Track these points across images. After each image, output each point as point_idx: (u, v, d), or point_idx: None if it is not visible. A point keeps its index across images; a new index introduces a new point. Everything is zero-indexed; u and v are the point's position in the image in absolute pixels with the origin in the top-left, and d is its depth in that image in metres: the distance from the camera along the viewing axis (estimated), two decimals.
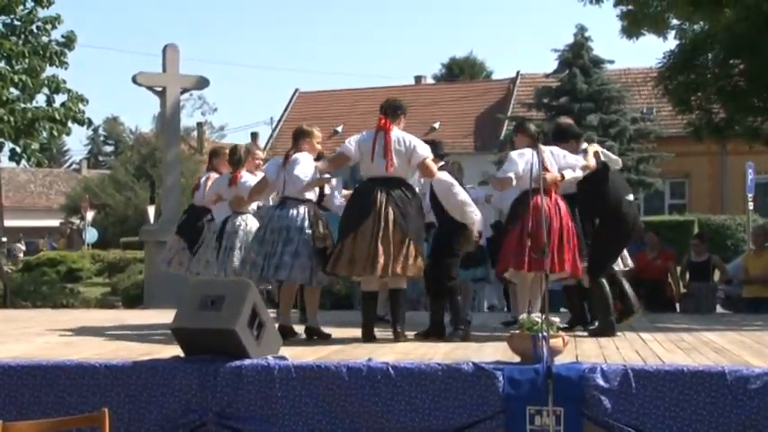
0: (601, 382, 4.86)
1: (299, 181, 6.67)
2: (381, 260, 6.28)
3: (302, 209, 6.70)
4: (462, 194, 6.88)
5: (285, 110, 34.38)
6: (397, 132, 6.57)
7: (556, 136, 7.35)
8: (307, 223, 6.62)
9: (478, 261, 8.33)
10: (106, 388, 5.22)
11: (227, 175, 7.60)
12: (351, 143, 6.64)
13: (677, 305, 10.68)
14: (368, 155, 6.50)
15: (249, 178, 7.41)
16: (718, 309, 11.31)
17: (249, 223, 7.36)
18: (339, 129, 29.83)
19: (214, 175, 8.00)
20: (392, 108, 6.72)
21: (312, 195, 6.91)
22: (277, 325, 6.57)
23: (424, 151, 6.60)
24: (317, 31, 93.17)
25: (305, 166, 6.75)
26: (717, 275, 11.18)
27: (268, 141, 34.34)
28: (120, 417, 5.10)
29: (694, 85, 14.03)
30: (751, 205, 17.97)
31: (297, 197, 6.74)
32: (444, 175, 6.90)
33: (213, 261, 7.44)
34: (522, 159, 6.72)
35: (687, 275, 11.06)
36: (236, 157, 7.59)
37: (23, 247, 15.77)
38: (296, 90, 35.17)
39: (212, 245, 7.55)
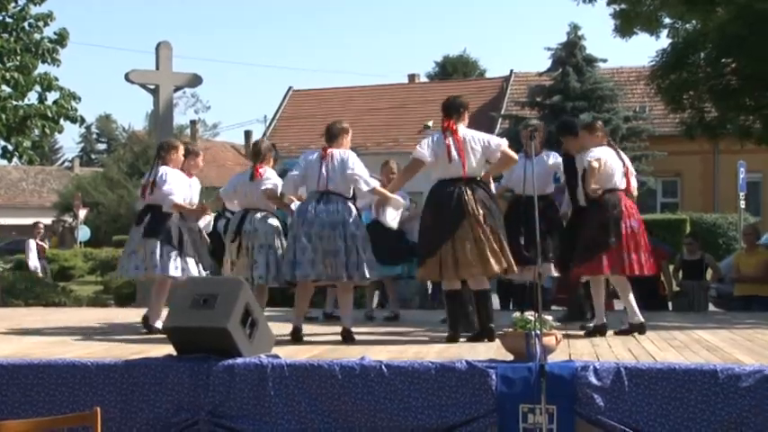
0: (593, 380, 4.87)
1: (360, 182, 6.65)
2: (492, 260, 6.29)
3: (350, 204, 6.69)
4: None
5: (279, 108, 34.33)
6: (464, 130, 6.56)
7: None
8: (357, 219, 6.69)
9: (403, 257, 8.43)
10: (98, 387, 5.21)
11: (248, 170, 7.36)
12: (424, 148, 6.55)
13: (669, 303, 10.69)
14: (444, 157, 6.43)
15: (272, 174, 7.30)
16: (711, 307, 11.34)
17: (271, 221, 7.19)
18: None
19: (170, 170, 7.41)
20: (455, 107, 6.68)
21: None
22: (292, 327, 6.62)
23: (499, 141, 6.61)
24: (311, 29, 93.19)
25: (360, 165, 6.74)
26: (709, 274, 11.21)
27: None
28: (111, 416, 5.09)
29: (687, 83, 14.06)
30: (743, 204, 18.04)
31: (343, 194, 6.68)
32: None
33: (236, 262, 7.19)
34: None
35: (680, 274, 11.08)
36: (257, 149, 7.48)
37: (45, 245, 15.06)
38: (290, 88, 35.13)
39: (229, 246, 7.28)
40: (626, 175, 6.92)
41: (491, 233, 6.36)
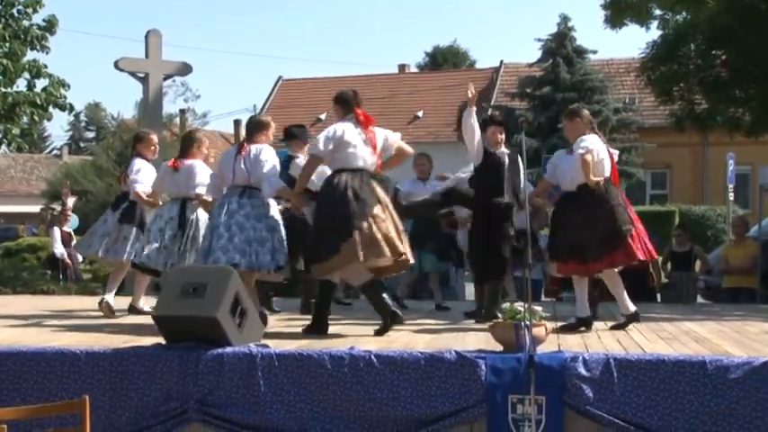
0: (582, 371, 4.89)
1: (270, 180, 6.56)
2: (399, 245, 6.17)
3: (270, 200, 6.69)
4: None
5: (268, 97, 34.22)
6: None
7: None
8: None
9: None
10: (87, 375, 5.20)
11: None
12: (319, 144, 6.36)
13: (658, 295, 10.74)
14: (351, 146, 6.28)
15: (198, 169, 7.29)
16: (699, 299, 11.40)
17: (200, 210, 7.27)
18: (322, 116, 29.74)
19: (143, 162, 7.75)
20: (349, 100, 6.55)
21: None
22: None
23: (395, 135, 6.59)
24: (301, 18, 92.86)
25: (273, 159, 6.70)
26: (698, 266, 11.25)
27: None
28: (100, 404, 5.08)
29: (677, 75, 14.07)
30: (731, 196, 18.10)
31: (258, 187, 6.62)
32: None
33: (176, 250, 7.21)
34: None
35: (669, 265, 11.12)
36: (184, 139, 7.64)
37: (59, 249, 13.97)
38: (279, 77, 35.02)
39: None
40: (612, 164, 6.79)
41: (396, 225, 6.24)
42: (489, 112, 6.82)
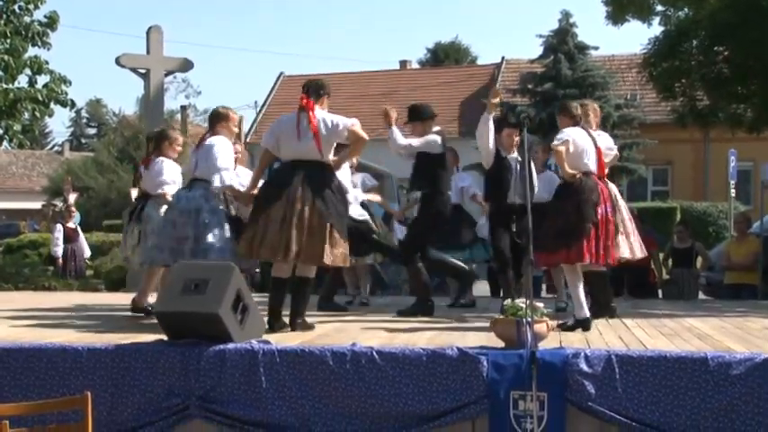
0: (584, 367, 4.88)
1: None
2: (294, 246, 5.94)
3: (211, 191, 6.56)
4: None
5: (270, 93, 34.21)
6: (319, 113, 6.23)
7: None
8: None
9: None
10: (89, 371, 5.20)
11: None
12: (268, 135, 6.30)
13: (660, 291, 10.74)
14: (292, 137, 6.11)
15: (165, 167, 7.22)
16: (701, 295, 11.39)
17: (161, 207, 7.07)
18: None
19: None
20: (315, 88, 6.33)
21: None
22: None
23: (348, 121, 6.22)
24: (303, 14, 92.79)
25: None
26: (699, 262, 11.25)
27: (252, 125, 34.21)
28: (102, 400, 5.08)
29: (678, 71, 14.07)
30: (733, 192, 18.08)
31: (203, 178, 6.54)
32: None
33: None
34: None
35: (670, 262, 11.12)
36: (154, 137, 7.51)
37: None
38: (281, 73, 35.01)
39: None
40: (599, 157, 6.69)
41: (315, 220, 5.99)
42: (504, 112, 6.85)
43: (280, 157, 6.34)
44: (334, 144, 6.27)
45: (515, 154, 7.41)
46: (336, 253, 6.06)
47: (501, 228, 7.33)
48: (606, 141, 7.17)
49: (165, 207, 6.96)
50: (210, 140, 6.61)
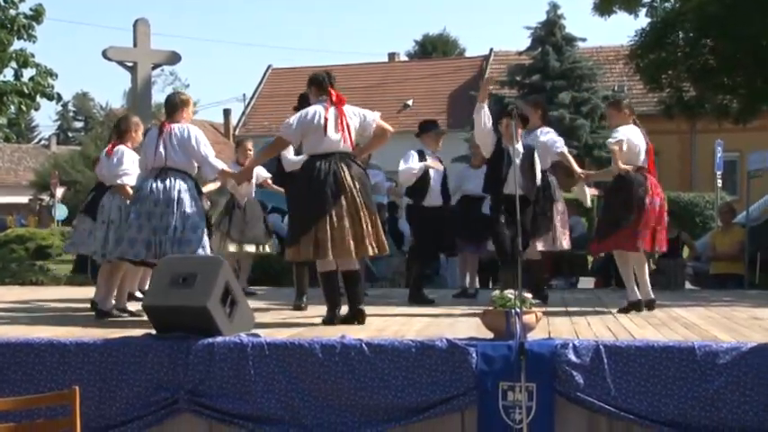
0: (573, 357, 4.90)
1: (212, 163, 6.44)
2: (367, 240, 6.05)
3: (188, 181, 6.48)
4: None
5: (258, 86, 34.16)
6: (348, 106, 6.30)
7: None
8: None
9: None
10: (76, 366, 5.18)
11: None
12: (291, 126, 6.23)
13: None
14: (320, 130, 6.11)
15: (125, 156, 7.06)
16: (687, 285, 11.44)
17: (116, 196, 6.92)
18: None
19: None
20: (332, 80, 6.38)
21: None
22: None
23: (374, 114, 6.35)
24: (291, 7, 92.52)
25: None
26: (686, 252, 11.29)
27: (241, 118, 34.14)
28: (90, 395, 5.07)
29: (665, 63, 14.10)
30: (720, 183, 18.16)
31: (183, 169, 6.45)
32: None
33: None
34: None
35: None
36: (117, 126, 7.31)
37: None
38: (269, 66, 34.95)
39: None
40: (649, 153, 7.10)
41: (368, 212, 6.12)
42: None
43: (304, 150, 6.29)
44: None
45: (518, 145, 7.38)
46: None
47: (500, 221, 7.29)
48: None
49: (121, 199, 6.82)
50: (182, 129, 6.45)
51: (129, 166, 6.86)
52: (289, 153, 7.05)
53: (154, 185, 6.37)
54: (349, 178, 6.08)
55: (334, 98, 6.23)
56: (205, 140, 6.51)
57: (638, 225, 6.82)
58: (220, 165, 6.56)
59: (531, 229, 7.50)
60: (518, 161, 7.20)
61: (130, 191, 6.71)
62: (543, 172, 7.68)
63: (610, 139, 6.96)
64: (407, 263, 8.50)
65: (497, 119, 7.43)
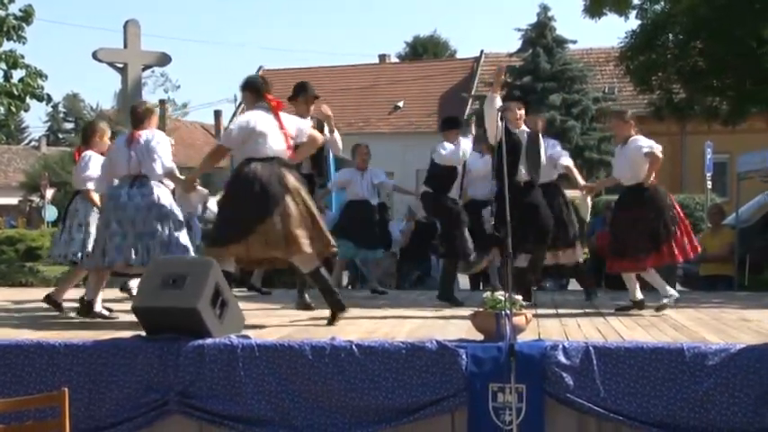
0: (562, 359, 4.91)
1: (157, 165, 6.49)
2: (319, 241, 6.07)
3: (162, 186, 6.57)
4: None
5: None
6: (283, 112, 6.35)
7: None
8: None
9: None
10: (66, 367, 5.16)
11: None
12: (231, 133, 6.28)
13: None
14: (262, 136, 6.12)
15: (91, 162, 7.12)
16: (677, 286, 11.46)
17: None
18: None
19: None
20: (260, 86, 6.42)
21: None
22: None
23: (306, 122, 6.50)
24: (282, 8, 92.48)
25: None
26: None
27: (231, 119, 34.08)
28: (80, 396, 5.05)
29: (655, 65, 14.17)
30: (709, 184, 18.22)
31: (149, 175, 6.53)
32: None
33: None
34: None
35: None
36: (84, 130, 7.47)
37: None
38: (260, 68, 34.88)
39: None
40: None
41: (314, 213, 6.15)
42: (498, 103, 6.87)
43: (243, 155, 6.21)
44: None
45: (523, 128, 7.51)
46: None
47: (516, 206, 6.98)
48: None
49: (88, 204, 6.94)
50: (148, 134, 6.58)
51: (94, 171, 6.95)
52: None
53: (131, 192, 6.44)
54: (293, 181, 6.10)
55: (273, 103, 6.27)
56: (167, 145, 6.61)
57: (680, 236, 6.94)
58: (170, 164, 6.57)
59: (555, 240, 7.71)
60: (524, 144, 7.38)
61: (94, 196, 6.82)
62: (551, 184, 7.85)
63: (655, 150, 6.92)
64: (445, 262, 8.41)
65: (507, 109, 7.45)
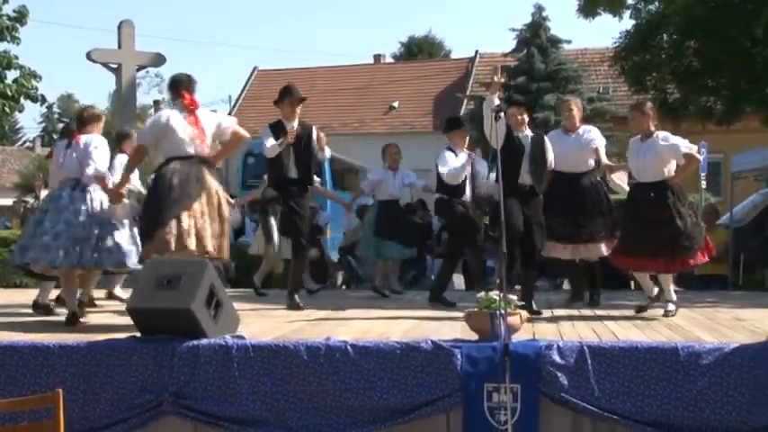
0: (557, 358, 4.92)
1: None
2: (209, 241, 6.03)
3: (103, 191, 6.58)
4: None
5: (243, 88, 34.07)
6: (202, 111, 6.34)
7: None
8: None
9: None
10: (60, 368, 5.16)
11: None
12: (144, 131, 6.36)
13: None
14: (174, 134, 6.14)
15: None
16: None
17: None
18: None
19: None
20: (193, 85, 6.39)
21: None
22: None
23: (229, 119, 6.42)
24: (277, 8, 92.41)
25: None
26: None
27: None
28: (74, 397, 5.05)
29: (650, 65, 14.18)
30: (704, 184, 18.26)
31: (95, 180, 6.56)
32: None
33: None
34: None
35: None
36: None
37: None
38: (254, 68, 34.87)
39: None
40: None
41: (224, 216, 6.16)
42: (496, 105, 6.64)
43: (163, 155, 6.25)
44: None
45: (527, 132, 7.31)
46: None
47: (513, 214, 6.96)
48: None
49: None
50: (87, 139, 6.62)
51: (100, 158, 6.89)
52: (268, 141, 7.38)
53: (73, 195, 6.47)
54: (210, 180, 6.10)
55: (186, 101, 6.25)
56: (103, 149, 6.60)
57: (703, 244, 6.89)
58: (103, 169, 6.55)
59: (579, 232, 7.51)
60: (528, 149, 7.16)
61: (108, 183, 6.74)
62: (588, 173, 7.68)
63: (693, 150, 6.84)
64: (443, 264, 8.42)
65: (504, 110, 7.26)
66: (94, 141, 6.59)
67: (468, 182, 7.91)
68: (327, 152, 7.91)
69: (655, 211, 6.68)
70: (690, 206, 6.92)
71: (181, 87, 6.30)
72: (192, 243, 5.92)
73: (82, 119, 6.80)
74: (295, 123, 7.55)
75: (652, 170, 6.85)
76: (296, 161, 7.45)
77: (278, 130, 7.56)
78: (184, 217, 5.92)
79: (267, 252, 9.11)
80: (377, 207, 9.21)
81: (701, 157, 6.83)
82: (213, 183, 6.13)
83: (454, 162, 7.82)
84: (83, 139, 6.62)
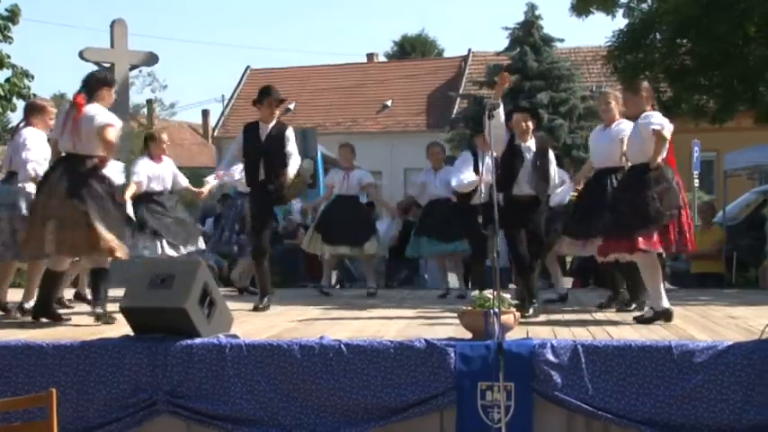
0: (551, 357, 4.92)
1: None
2: (51, 238, 6.00)
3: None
4: None
5: (236, 87, 34.03)
6: (89, 107, 6.19)
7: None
8: None
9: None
10: (54, 368, 5.15)
11: None
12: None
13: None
14: (58, 130, 6.25)
15: None
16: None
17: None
18: (291, 106, 29.65)
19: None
20: (86, 83, 6.36)
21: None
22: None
23: (101, 120, 6.15)
24: (269, 7, 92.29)
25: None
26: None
27: (219, 119, 34.01)
28: (68, 397, 5.04)
29: (642, 63, 14.21)
30: (697, 182, 18.31)
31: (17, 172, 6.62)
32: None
33: None
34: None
35: None
36: None
37: None
38: (247, 67, 34.83)
39: None
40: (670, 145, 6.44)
41: (75, 211, 6.04)
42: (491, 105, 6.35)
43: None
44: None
45: (530, 143, 7.01)
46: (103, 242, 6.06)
47: (514, 228, 6.79)
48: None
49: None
50: (23, 133, 6.68)
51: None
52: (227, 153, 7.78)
53: (1, 189, 6.59)
54: (57, 178, 6.10)
55: (75, 100, 6.25)
56: (37, 145, 6.60)
57: (682, 222, 6.18)
58: (33, 173, 6.54)
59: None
60: (529, 158, 6.87)
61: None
62: (614, 169, 7.07)
63: (654, 126, 6.13)
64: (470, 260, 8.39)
65: (508, 115, 6.94)
66: (30, 136, 6.63)
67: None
68: (307, 162, 7.98)
69: (635, 191, 6.22)
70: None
71: (86, 87, 6.29)
72: (52, 244, 5.98)
73: (26, 110, 6.92)
74: (271, 125, 7.46)
75: (636, 152, 6.42)
76: (265, 164, 7.38)
77: (250, 132, 7.49)
78: (54, 217, 6.01)
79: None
80: (424, 207, 9.10)
81: (667, 135, 6.16)
82: (57, 181, 6.09)
83: (469, 174, 7.94)
84: (22, 133, 6.70)
